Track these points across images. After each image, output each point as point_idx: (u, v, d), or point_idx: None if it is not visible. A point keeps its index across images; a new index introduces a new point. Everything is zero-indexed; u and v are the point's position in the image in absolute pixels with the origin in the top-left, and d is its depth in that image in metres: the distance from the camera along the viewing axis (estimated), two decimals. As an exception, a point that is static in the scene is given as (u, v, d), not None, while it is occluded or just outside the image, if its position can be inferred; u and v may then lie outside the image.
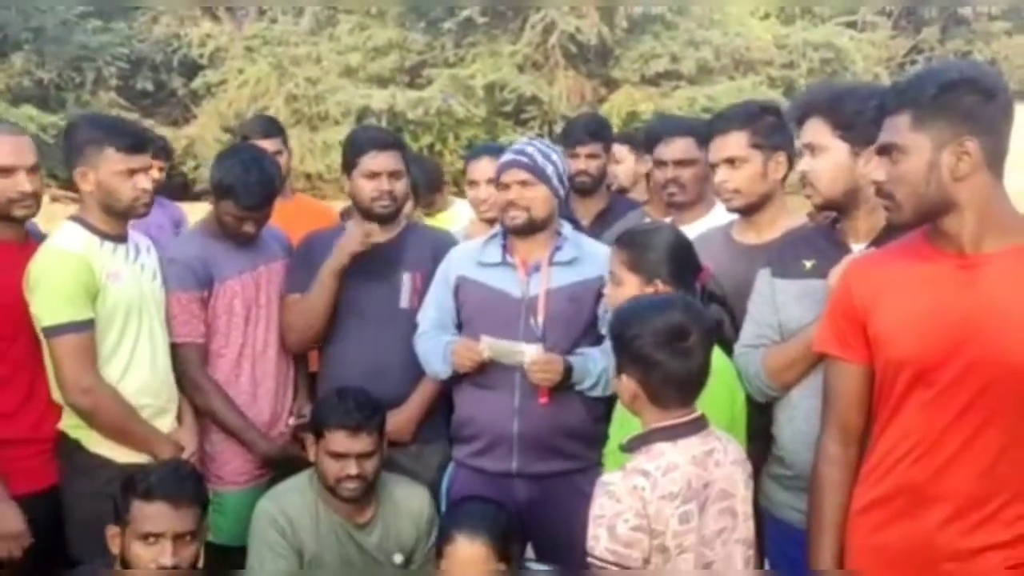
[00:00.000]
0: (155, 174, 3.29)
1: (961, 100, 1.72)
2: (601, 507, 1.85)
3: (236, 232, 2.90)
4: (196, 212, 4.41)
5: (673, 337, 1.91)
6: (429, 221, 3.80)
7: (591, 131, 3.75)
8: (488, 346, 2.61)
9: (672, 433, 1.90)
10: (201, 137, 15.96)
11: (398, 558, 2.75)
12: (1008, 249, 1.76)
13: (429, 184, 4.08)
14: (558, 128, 14.29)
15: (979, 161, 1.73)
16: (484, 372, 2.67)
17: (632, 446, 1.93)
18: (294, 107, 15.53)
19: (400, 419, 2.87)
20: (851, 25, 16.25)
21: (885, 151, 1.80)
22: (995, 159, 1.75)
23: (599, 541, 1.83)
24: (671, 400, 1.92)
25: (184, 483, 2.38)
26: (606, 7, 14.77)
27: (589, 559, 1.85)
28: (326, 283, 2.87)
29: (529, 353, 2.57)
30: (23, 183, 2.57)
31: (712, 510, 1.89)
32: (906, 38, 17.10)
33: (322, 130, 15.75)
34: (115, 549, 2.35)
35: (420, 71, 16.15)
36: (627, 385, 1.94)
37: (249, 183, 2.84)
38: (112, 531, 2.36)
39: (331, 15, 16.69)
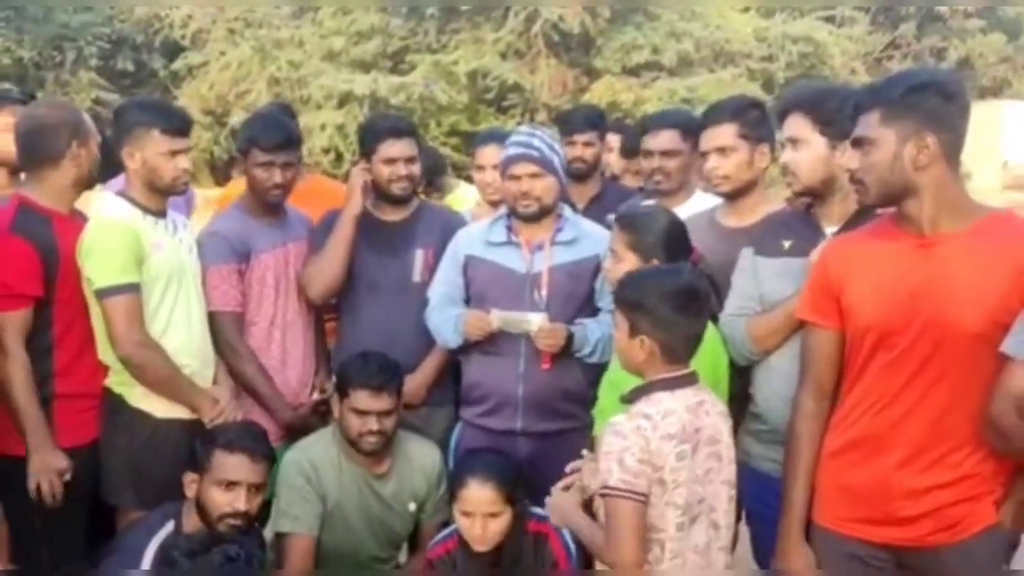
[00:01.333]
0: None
1: (924, 101, 2.01)
2: (609, 444, 2.12)
3: (268, 190, 3.10)
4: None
5: (689, 300, 2.19)
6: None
7: (590, 121, 4.02)
8: (498, 317, 2.87)
9: (671, 384, 2.17)
10: (182, 119, 15.85)
11: (411, 506, 3.02)
12: (961, 231, 2.05)
13: (434, 169, 4.33)
14: (539, 117, 14.48)
15: (937, 153, 2.01)
16: (492, 341, 2.93)
17: (633, 396, 2.20)
18: (276, 91, 15.52)
19: (413, 383, 3.12)
20: (830, 20, 16.45)
21: (858, 143, 2.09)
22: (952, 152, 2.04)
23: (612, 473, 2.09)
24: (681, 357, 2.19)
25: (260, 441, 2.66)
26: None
27: (604, 490, 2.12)
28: (346, 226, 3.12)
29: (536, 322, 2.84)
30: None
31: (703, 452, 2.17)
32: (883, 34, 17.38)
33: (304, 114, 15.73)
34: (190, 493, 2.60)
35: (403, 57, 16.20)
36: (646, 345, 2.17)
37: (268, 126, 3.18)
38: (190, 477, 2.62)
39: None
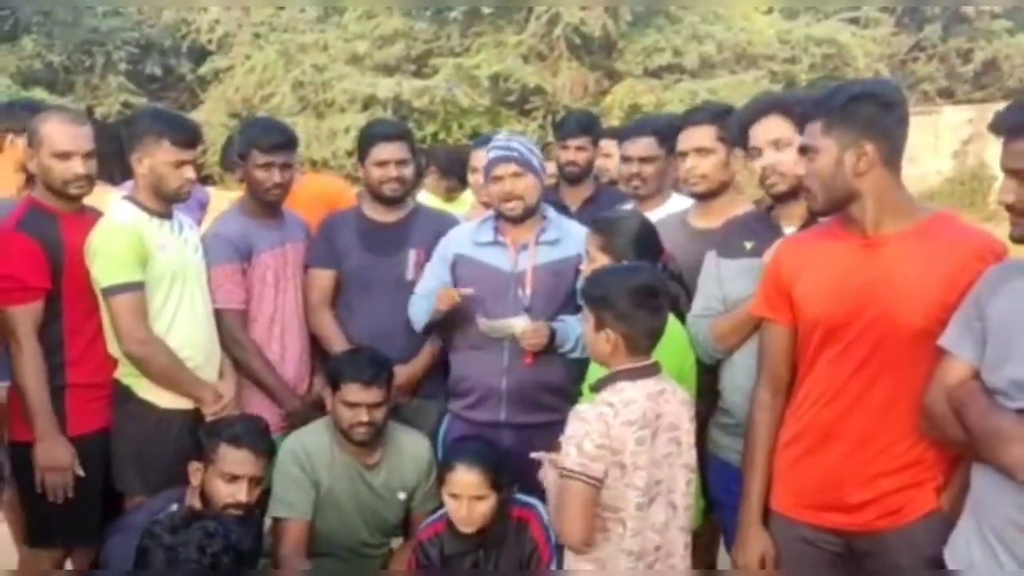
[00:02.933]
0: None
1: (862, 110, 2.12)
2: (572, 429, 2.27)
3: (268, 190, 3.25)
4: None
5: (648, 296, 2.33)
6: (448, 205, 4.21)
7: (582, 126, 4.15)
8: (485, 325, 3.00)
9: (633, 374, 2.32)
10: (208, 122, 16.10)
11: (401, 495, 3.17)
12: (902, 232, 2.16)
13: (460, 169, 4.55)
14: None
15: (876, 160, 2.13)
16: (478, 336, 3.06)
17: (600, 385, 2.35)
18: (300, 94, 15.75)
19: (404, 373, 3.27)
20: (854, 21, 16.35)
21: (803, 151, 2.21)
22: (891, 158, 2.16)
23: (569, 456, 2.24)
24: (643, 349, 2.33)
25: (264, 436, 2.82)
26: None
27: (562, 471, 2.26)
28: None
29: (519, 326, 2.97)
30: (77, 166, 2.93)
31: (663, 437, 2.31)
32: (908, 35, 17.25)
33: (328, 117, 15.96)
34: (195, 481, 2.76)
35: (426, 60, 16.36)
36: (609, 338, 2.32)
37: (266, 128, 3.37)
38: (194, 466, 2.78)
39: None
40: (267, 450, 2.82)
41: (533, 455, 2.48)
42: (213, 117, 15.93)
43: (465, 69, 15.83)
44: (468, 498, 2.79)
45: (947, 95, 17.64)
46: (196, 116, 15.56)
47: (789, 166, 2.55)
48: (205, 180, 13.51)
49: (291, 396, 3.28)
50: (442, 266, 3.20)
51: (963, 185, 15.30)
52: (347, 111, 15.94)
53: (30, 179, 3.37)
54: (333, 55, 16.73)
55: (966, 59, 17.42)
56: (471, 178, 3.99)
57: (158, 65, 16.86)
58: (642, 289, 2.33)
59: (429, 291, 3.17)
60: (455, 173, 4.79)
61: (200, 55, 16.98)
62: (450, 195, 4.86)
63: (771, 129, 2.62)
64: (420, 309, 3.16)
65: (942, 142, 15.92)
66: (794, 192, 2.59)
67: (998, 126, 1.91)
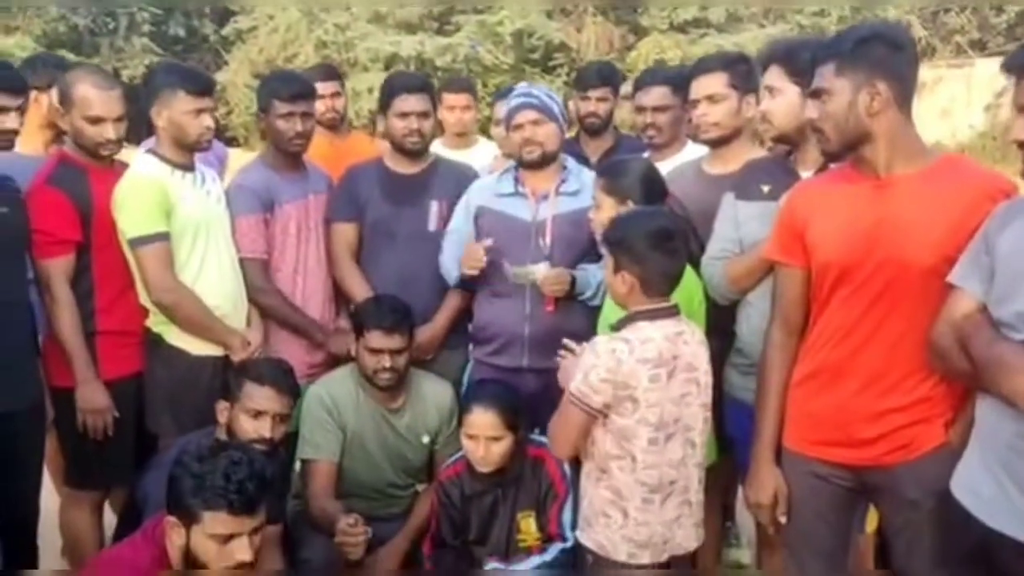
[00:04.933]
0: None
1: (874, 51, 2.14)
2: (585, 358, 2.37)
3: (290, 140, 3.31)
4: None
5: (663, 239, 2.38)
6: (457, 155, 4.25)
7: (602, 76, 4.15)
8: (510, 272, 3.06)
9: (652, 315, 2.38)
10: (232, 83, 16.17)
11: (425, 439, 3.27)
12: (913, 173, 2.18)
13: None
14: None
15: (889, 100, 2.15)
16: (500, 284, 3.13)
17: (620, 325, 2.43)
18: (323, 53, 15.74)
19: (426, 336, 3.34)
20: (887, -29, 16.14)
21: (816, 94, 2.23)
22: (903, 99, 2.17)
23: (575, 381, 2.36)
24: (659, 291, 2.40)
25: (287, 375, 2.91)
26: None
27: (568, 392, 2.38)
28: None
29: (541, 271, 3.03)
30: (109, 131, 3.01)
31: (679, 378, 2.38)
32: (939, -14, 16.96)
33: (351, 76, 15.94)
34: (222, 419, 2.86)
35: (449, 18, 16.27)
36: (626, 279, 2.40)
37: (285, 79, 3.45)
38: (222, 405, 2.87)
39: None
40: (291, 389, 2.90)
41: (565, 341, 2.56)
42: (237, 78, 15.99)
43: (488, 26, 15.73)
44: (485, 439, 2.87)
45: (979, 47, 17.31)
46: (220, 77, 15.64)
47: (778, 112, 2.66)
48: (230, 142, 13.58)
49: (319, 331, 3.38)
50: (465, 217, 3.27)
51: (995, 140, 15.03)
52: (370, 70, 15.92)
53: (56, 137, 3.46)
54: (356, 14, 16.68)
55: (999, 10, 17.04)
56: (494, 130, 4.02)
57: (181, 26, 16.92)
58: (658, 233, 2.38)
59: (453, 244, 3.24)
60: None
61: (223, 16, 17.01)
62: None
63: (766, 77, 2.69)
64: (451, 266, 3.23)
65: (974, 95, 15.64)
66: (795, 137, 2.67)
67: (1011, 65, 1.92)
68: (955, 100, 15.76)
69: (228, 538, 2.13)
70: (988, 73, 14.84)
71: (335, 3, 16.08)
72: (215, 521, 2.12)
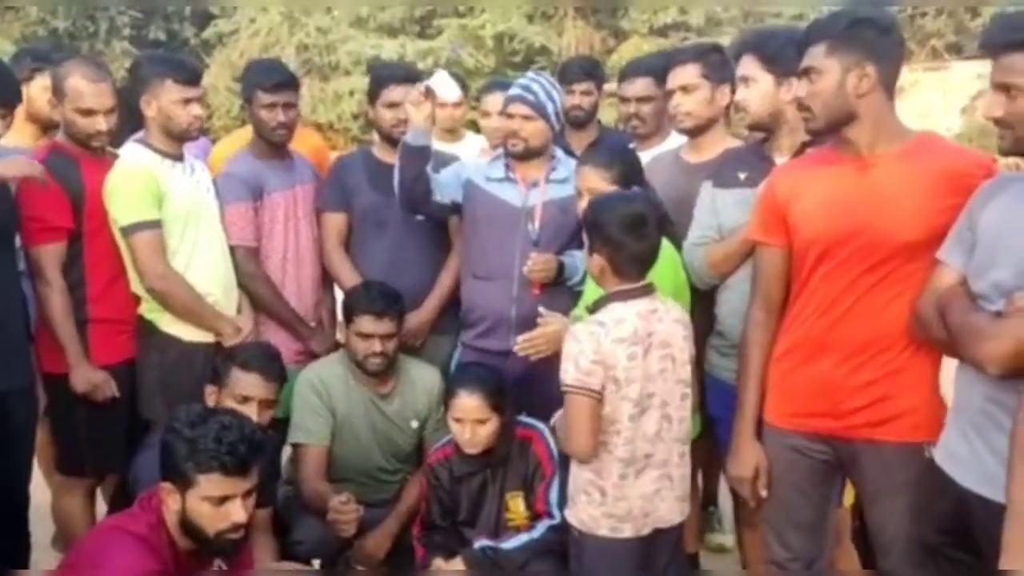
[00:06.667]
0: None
1: (864, 33, 2.22)
2: (568, 348, 2.42)
3: (273, 130, 3.34)
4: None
5: (636, 223, 2.43)
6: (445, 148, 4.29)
7: (586, 71, 4.21)
8: None
9: (625, 295, 2.44)
10: (213, 86, 16.06)
11: (414, 423, 3.31)
12: (894, 152, 2.26)
13: None
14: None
15: (876, 82, 2.22)
16: (487, 267, 3.19)
17: (595, 307, 2.48)
18: (305, 57, 15.74)
19: (415, 322, 3.39)
20: (861, -25, 16.30)
21: (805, 73, 2.30)
22: (889, 82, 2.26)
23: (568, 373, 2.40)
24: (630, 273, 2.45)
25: (273, 362, 2.95)
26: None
27: (563, 387, 2.41)
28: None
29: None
30: (100, 123, 3.06)
31: (655, 354, 2.44)
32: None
33: (333, 80, 15.95)
34: (211, 403, 2.88)
35: (430, 21, 16.30)
36: (597, 261, 2.46)
37: (268, 69, 3.49)
38: (210, 389, 2.91)
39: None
40: (277, 375, 2.94)
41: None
42: (218, 81, 15.92)
43: (470, 29, 15.77)
44: (471, 422, 2.92)
45: (956, 51, 17.53)
46: (201, 80, 15.61)
47: (753, 100, 2.73)
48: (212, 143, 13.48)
49: (303, 324, 3.43)
50: (453, 177, 3.29)
51: (971, 142, 15.22)
52: (352, 73, 15.92)
53: (45, 130, 3.50)
54: (337, 17, 16.68)
55: (974, 13, 17.27)
56: (482, 122, 4.09)
57: (162, 30, 16.83)
58: (630, 217, 2.44)
59: (441, 184, 3.26)
60: None
61: (204, 19, 16.95)
62: None
63: (740, 66, 2.76)
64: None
65: (951, 98, 15.85)
66: (770, 124, 2.74)
67: (986, 43, 2.00)
68: (932, 103, 15.96)
69: (222, 500, 2.18)
70: (964, 76, 15.05)
71: (316, 6, 16.09)
72: (209, 483, 2.17)
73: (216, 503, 2.18)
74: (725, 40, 14.91)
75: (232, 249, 3.28)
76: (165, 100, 3.09)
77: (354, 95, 14.94)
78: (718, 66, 2.99)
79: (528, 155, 3.20)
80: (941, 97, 15.98)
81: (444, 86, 3.11)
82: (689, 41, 15.36)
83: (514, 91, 3.23)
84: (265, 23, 16.08)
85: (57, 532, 3.38)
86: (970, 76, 15.08)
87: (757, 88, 2.71)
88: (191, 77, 3.16)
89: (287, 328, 3.40)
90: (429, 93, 3.09)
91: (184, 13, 16.74)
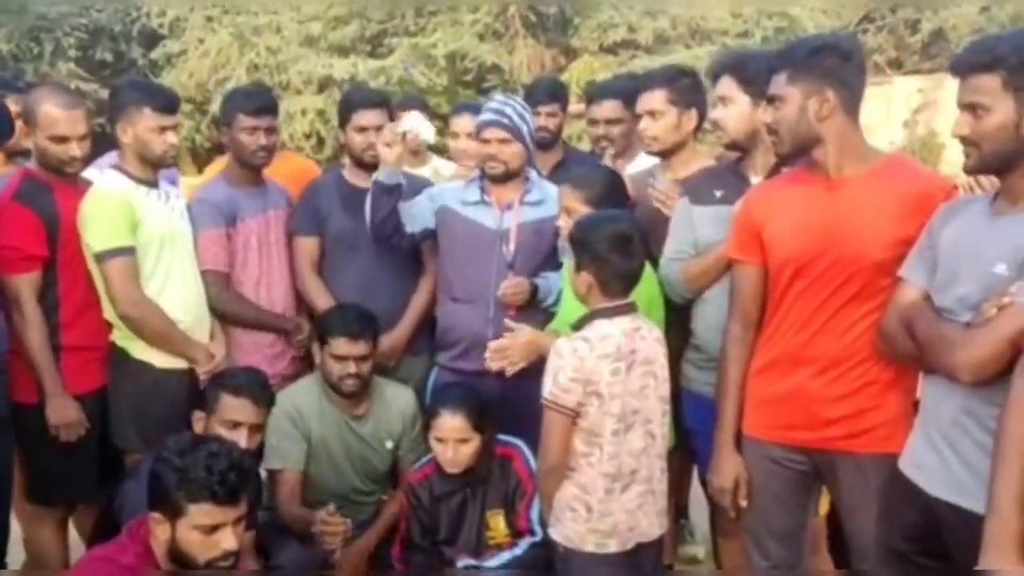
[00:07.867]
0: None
1: (823, 61, 2.31)
2: (551, 362, 2.48)
3: (254, 153, 3.36)
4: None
5: (623, 242, 2.49)
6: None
7: (551, 93, 4.28)
8: None
9: (610, 312, 2.50)
10: (163, 107, 15.82)
11: (388, 444, 3.33)
12: (861, 173, 2.35)
13: None
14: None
15: (836, 106, 2.31)
16: (464, 288, 3.21)
17: (580, 323, 2.53)
18: (255, 77, 15.60)
19: (391, 340, 3.41)
20: (805, -6, 16.68)
21: (771, 100, 2.38)
22: (851, 105, 2.34)
23: (546, 387, 2.46)
24: (616, 290, 2.51)
25: (263, 387, 2.94)
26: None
27: (542, 400, 2.47)
28: None
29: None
30: (74, 150, 3.04)
31: (638, 370, 2.49)
32: (857, 7, 17.59)
33: (284, 99, 15.76)
34: (199, 429, 2.86)
35: (381, 40, 16.25)
36: (585, 278, 2.52)
37: (249, 93, 3.51)
38: (198, 415, 2.89)
39: (292, -17, 16.58)
40: (267, 400, 2.94)
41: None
42: (168, 102, 15.60)
43: (421, 48, 15.76)
44: (453, 441, 2.95)
45: (896, 66, 18.01)
46: (150, 101, 15.38)
47: (730, 120, 2.81)
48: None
49: (287, 321, 3.44)
50: (426, 205, 3.31)
51: (914, 154, 15.64)
52: (303, 93, 15.80)
53: (10, 157, 3.46)
54: (287, 37, 16.55)
55: (914, 29, 17.76)
56: (451, 144, 4.12)
57: (109, 51, 16.55)
58: (617, 236, 2.50)
59: (415, 205, 3.29)
60: None
61: (152, 39, 16.70)
62: None
63: (718, 88, 2.85)
64: (408, 211, 3.25)
65: (893, 112, 16.27)
66: (746, 144, 2.83)
67: (955, 65, 2.08)
68: (875, 117, 16.37)
69: (213, 529, 2.17)
70: (906, 91, 15.47)
71: (266, 26, 15.97)
72: (200, 512, 2.16)
73: (207, 532, 2.17)
74: (674, 58, 15.22)
75: (204, 274, 3.27)
76: (142, 127, 3.08)
77: (306, 114, 14.83)
78: (686, 91, 3.06)
79: (507, 177, 3.24)
80: (884, 111, 16.41)
81: (420, 127, 3.15)
82: (638, 59, 15.58)
83: (487, 116, 3.26)
84: (214, 44, 15.89)
85: (26, 562, 3.31)
86: (911, 90, 15.52)
87: (735, 108, 2.79)
88: (169, 105, 3.16)
89: (273, 330, 3.41)
90: (404, 135, 3.11)
91: (131, 34, 16.52)
